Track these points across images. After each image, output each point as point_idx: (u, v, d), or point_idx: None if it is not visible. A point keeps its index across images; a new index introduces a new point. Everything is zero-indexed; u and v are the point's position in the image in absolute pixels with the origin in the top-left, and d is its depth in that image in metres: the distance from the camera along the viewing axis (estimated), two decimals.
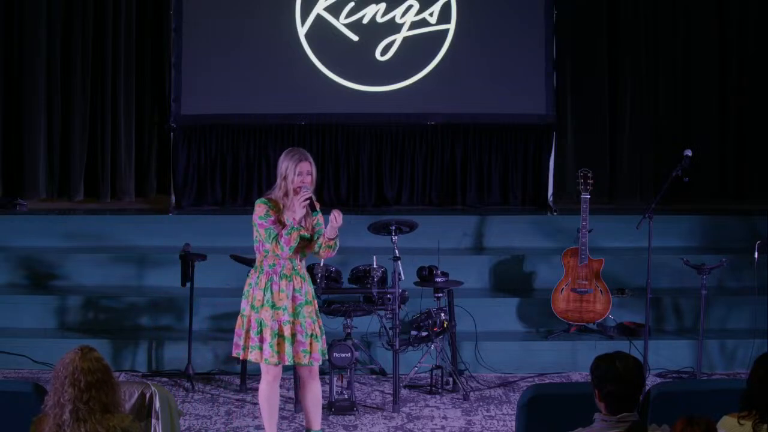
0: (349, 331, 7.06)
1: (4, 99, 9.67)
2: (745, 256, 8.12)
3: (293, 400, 6.94)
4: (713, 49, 9.94)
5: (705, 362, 7.59)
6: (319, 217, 5.94)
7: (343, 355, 6.85)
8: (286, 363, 5.89)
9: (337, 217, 5.79)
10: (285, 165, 5.85)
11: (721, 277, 8.44)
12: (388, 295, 7.07)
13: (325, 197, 9.72)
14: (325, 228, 5.90)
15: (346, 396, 6.96)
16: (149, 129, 9.87)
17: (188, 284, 7.41)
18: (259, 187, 9.72)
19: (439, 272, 7.34)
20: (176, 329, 8.02)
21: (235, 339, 5.95)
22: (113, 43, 9.67)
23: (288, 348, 5.82)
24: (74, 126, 9.67)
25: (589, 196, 7.94)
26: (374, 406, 7.02)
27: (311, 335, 5.89)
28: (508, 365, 7.75)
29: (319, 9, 9.56)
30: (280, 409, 6.92)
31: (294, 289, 5.85)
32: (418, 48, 9.61)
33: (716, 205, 9.77)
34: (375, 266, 7.30)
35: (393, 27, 9.60)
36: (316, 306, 5.99)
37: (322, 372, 7.40)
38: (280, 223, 5.81)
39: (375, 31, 9.59)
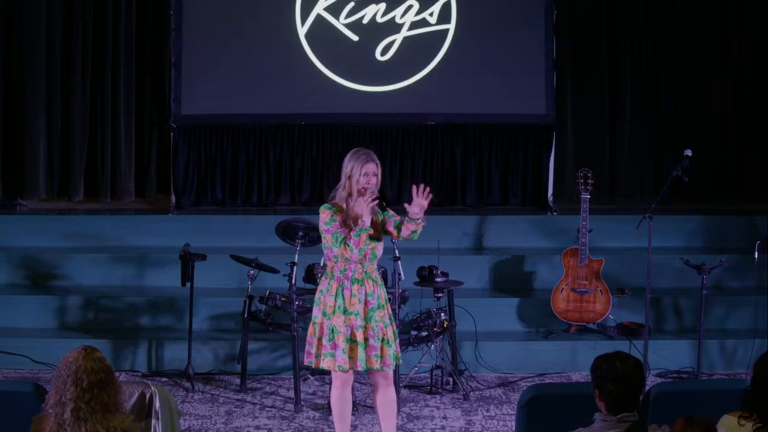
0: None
1: (4, 99, 9.67)
2: (745, 256, 8.12)
3: (293, 400, 6.94)
4: (713, 48, 9.94)
5: (705, 362, 7.59)
6: (390, 211, 5.81)
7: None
8: (359, 369, 5.75)
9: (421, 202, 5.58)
10: (351, 165, 5.72)
11: (721, 277, 8.44)
12: (388, 295, 7.06)
13: (326, 197, 9.70)
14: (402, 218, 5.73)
15: None
16: (149, 129, 9.87)
17: (188, 284, 7.40)
18: (259, 187, 9.74)
19: (439, 272, 7.34)
20: (176, 329, 8.02)
21: (307, 347, 5.80)
22: (113, 43, 9.67)
23: (361, 353, 5.70)
24: (74, 126, 9.67)
25: (589, 196, 7.93)
26: (374, 406, 7.01)
27: (383, 339, 5.74)
28: (508, 365, 7.75)
29: (319, 9, 9.56)
30: (280, 409, 6.93)
31: (366, 293, 5.72)
32: (418, 48, 9.61)
33: (716, 205, 9.77)
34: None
35: (393, 27, 9.60)
36: (389, 310, 5.86)
37: (322, 372, 7.44)
38: (346, 225, 5.70)
39: (375, 31, 9.60)
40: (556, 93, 9.71)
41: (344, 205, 5.73)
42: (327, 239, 5.71)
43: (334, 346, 5.69)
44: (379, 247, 5.80)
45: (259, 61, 9.59)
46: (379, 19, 9.59)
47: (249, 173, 9.74)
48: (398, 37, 9.59)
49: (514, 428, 5.57)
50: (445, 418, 6.83)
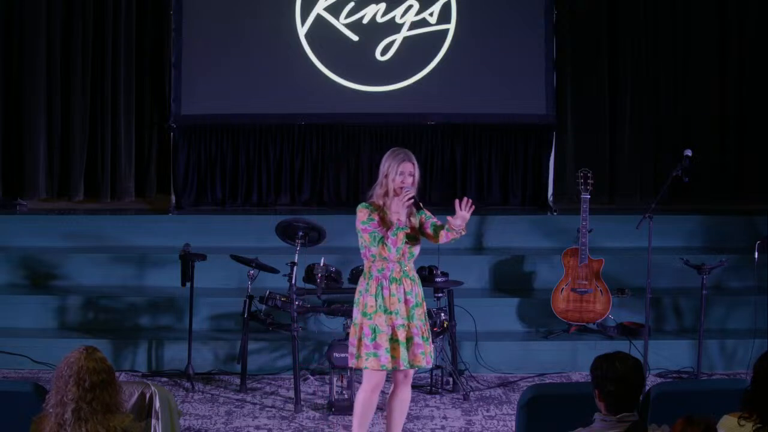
0: (349, 331, 7.04)
1: (4, 99, 9.67)
2: (745, 256, 8.12)
3: (293, 400, 6.93)
4: (713, 48, 9.94)
5: (705, 362, 7.59)
6: (427, 212, 5.86)
7: (343, 355, 6.82)
8: (402, 368, 5.72)
9: (464, 214, 5.67)
10: (387, 164, 5.75)
11: (721, 277, 8.44)
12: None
13: (326, 197, 9.74)
14: (438, 221, 5.80)
15: (346, 396, 6.95)
16: (149, 129, 9.87)
17: (188, 284, 7.41)
18: (259, 187, 9.74)
19: (439, 272, 7.34)
20: (176, 329, 8.02)
21: (350, 348, 5.81)
22: (113, 43, 9.67)
23: (403, 352, 5.68)
24: (74, 126, 9.67)
25: (589, 196, 7.93)
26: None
27: (422, 337, 5.75)
28: (508, 365, 7.75)
29: (319, 9, 9.56)
30: (280, 409, 6.93)
31: (405, 292, 5.72)
32: (418, 48, 9.61)
33: (716, 205, 9.77)
34: None
35: (393, 27, 9.60)
36: (425, 308, 5.86)
37: (322, 372, 7.45)
38: (384, 224, 5.71)
39: (375, 31, 9.60)
40: (556, 93, 9.71)
41: (381, 203, 5.75)
42: (364, 239, 5.71)
43: (377, 346, 5.68)
44: (417, 246, 5.82)
45: (259, 61, 9.58)
46: (379, 19, 9.59)
47: (249, 173, 9.74)
48: (398, 37, 9.59)
49: (514, 428, 5.57)
50: (445, 418, 6.83)
